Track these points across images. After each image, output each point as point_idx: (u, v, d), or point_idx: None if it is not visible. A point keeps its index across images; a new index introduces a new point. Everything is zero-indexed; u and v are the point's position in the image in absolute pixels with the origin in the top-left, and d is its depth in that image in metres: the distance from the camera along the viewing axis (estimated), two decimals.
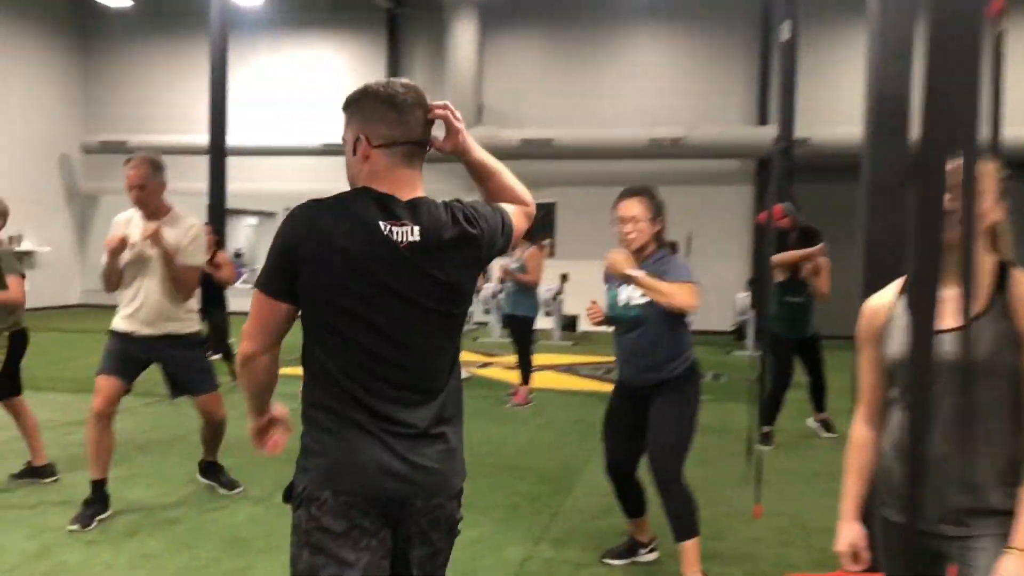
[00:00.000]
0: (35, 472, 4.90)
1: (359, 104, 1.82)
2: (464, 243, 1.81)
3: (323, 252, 1.71)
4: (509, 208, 2.00)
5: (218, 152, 11.47)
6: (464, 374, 2.81)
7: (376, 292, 1.74)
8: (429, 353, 1.82)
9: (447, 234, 1.78)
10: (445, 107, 1.89)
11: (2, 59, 15.20)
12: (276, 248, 1.76)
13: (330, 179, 16.27)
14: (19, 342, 4.76)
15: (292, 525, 1.80)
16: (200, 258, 4.51)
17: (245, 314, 1.91)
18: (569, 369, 10.09)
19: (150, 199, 4.32)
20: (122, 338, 4.37)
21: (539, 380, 8.00)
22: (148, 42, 16.84)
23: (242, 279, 21.90)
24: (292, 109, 16.21)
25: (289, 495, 1.83)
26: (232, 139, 15.08)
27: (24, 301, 4.65)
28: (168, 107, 16.34)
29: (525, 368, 7.68)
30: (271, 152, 15.80)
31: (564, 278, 13.28)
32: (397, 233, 1.74)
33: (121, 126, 16.32)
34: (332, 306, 1.74)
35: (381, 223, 1.73)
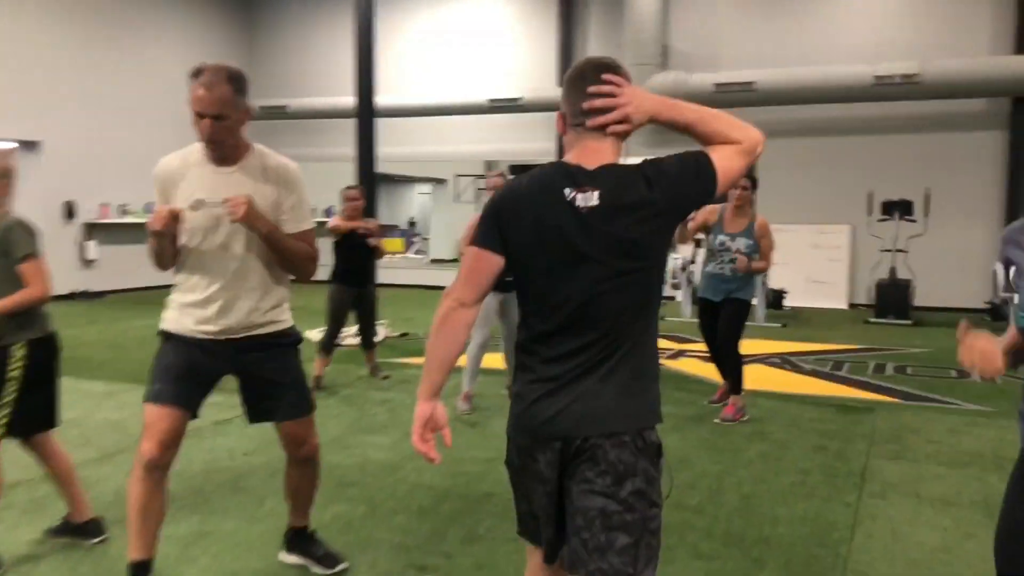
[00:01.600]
0: (76, 530, 3.59)
1: (565, 81, 2.02)
2: (640, 205, 1.90)
3: (520, 219, 1.95)
4: (717, 152, 1.99)
5: (366, 111, 10.19)
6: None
7: (566, 252, 1.91)
8: (615, 306, 1.92)
9: (627, 198, 1.90)
10: (606, 94, 1.96)
11: (163, 26, 14.60)
12: (485, 213, 2.01)
13: (498, 139, 14.89)
14: (46, 353, 3.40)
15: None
16: (309, 218, 3.08)
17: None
18: (785, 361, 8.12)
19: (230, 135, 2.88)
20: (186, 344, 2.98)
21: (748, 378, 6.12)
22: (305, 2, 15.90)
23: (414, 248, 20.98)
24: (456, 65, 14.82)
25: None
26: (390, 99, 13.96)
27: (49, 294, 3.33)
28: (328, 69, 15.33)
29: (735, 370, 5.84)
30: (433, 112, 14.46)
31: None
32: (580, 199, 1.90)
33: (280, 91, 15.47)
34: (530, 265, 1.96)
35: (566, 191, 1.91)
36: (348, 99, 14.39)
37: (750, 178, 5.94)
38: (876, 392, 6.79)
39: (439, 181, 23.84)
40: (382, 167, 10.78)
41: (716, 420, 5.77)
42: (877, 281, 11.19)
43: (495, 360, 6.48)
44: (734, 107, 12.57)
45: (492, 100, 13.77)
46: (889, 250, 11.26)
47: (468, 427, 5.57)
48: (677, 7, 13.32)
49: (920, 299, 11.33)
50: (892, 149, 12.36)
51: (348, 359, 7.68)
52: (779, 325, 10.55)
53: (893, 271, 11.18)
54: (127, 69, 13.87)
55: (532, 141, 13.94)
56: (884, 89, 11.64)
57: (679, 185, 1.94)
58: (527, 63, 14.35)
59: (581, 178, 1.91)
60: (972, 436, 5.44)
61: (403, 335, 9.47)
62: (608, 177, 1.91)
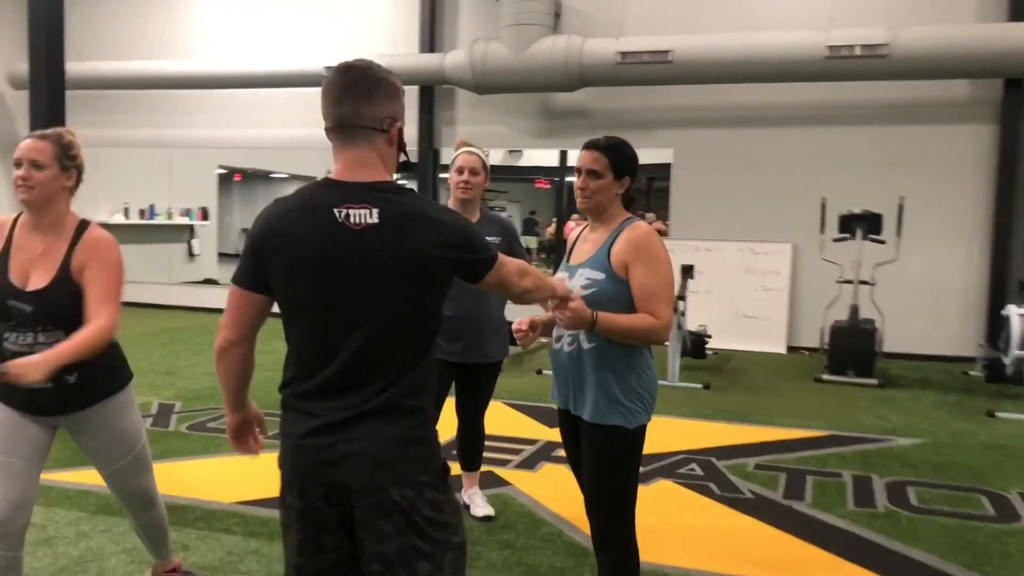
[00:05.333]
0: None
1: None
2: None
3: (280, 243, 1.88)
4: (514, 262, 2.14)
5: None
6: None
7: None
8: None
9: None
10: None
11: None
12: (245, 246, 1.93)
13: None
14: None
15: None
16: None
17: None
18: (709, 474, 4.93)
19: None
20: None
21: (645, 542, 2.93)
22: None
23: None
24: (281, 25, 11.39)
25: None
26: (184, 64, 10.49)
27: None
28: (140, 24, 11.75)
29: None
30: (252, 82, 11.02)
31: (687, 272, 8.08)
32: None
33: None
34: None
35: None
36: (158, 64, 11.11)
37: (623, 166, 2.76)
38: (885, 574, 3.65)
39: (300, 177, 20.51)
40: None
41: None
42: (833, 325, 8.14)
43: None
44: (644, 84, 9.52)
45: (329, 68, 10.41)
46: (849, 281, 8.24)
47: None
48: None
49: (887, 342, 8.37)
50: (852, 146, 9.39)
51: None
52: (700, 386, 7.42)
53: (855, 310, 8.15)
54: None
55: None
56: (841, 64, 8.67)
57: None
58: (380, 25, 11.01)
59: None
60: None
61: None
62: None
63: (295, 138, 11.16)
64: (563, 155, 18.35)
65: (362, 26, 11.03)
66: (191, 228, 15.45)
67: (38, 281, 2.60)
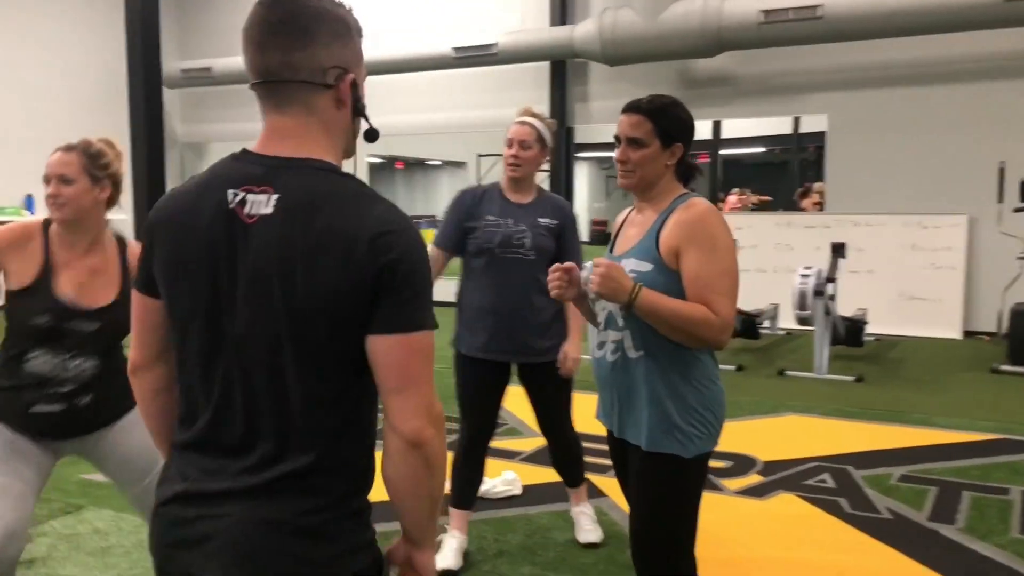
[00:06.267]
0: None
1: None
2: None
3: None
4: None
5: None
6: None
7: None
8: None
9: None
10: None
11: None
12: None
13: (464, 102, 10.88)
14: None
15: None
16: None
17: None
18: (841, 484, 4.27)
19: None
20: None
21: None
22: None
23: None
24: (407, 7, 11.21)
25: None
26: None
27: None
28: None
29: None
30: (377, 69, 10.89)
31: (838, 251, 7.25)
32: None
33: (205, 50, 12.18)
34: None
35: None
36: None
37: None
38: None
39: (457, 164, 20.63)
40: None
41: None
42: (1013, 307, 7.09)
43: None
44: (791, 44, 8.69)
45: (458, 49, 10.14)
46: None
47: None
48: None
49: None
50: None
51: None
52: (851, 379, 6.62)
53: None
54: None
55: (510, 105, 10.22)
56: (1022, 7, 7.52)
57: None
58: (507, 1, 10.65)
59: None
60: None
61: None
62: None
63: (437, 123, 11.05)
64: (716, 125, 17.46)
65: (489, 2, 10.70)
66: None
67: (101, 299, 2.45)
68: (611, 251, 2.33)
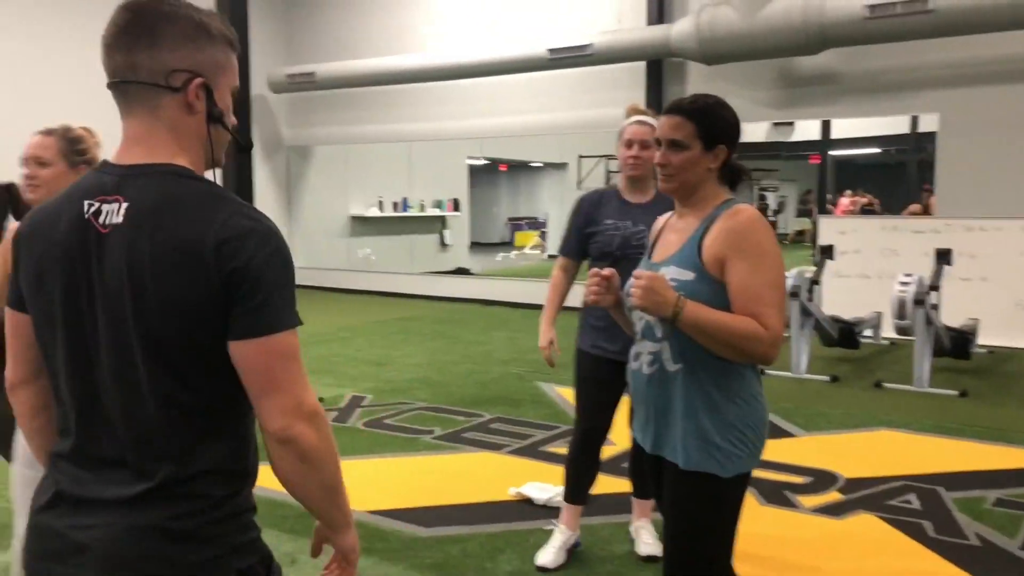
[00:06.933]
0: None
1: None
2: None
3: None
4: None
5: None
6: None
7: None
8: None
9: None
10: None
11: None
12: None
13: (557, 104, 10.88)
14: None
15: None
16: None
17: None
18: (927, 506, 4.03)
19: None
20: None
21: None
22: None
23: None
24: (499, 8, 11.21)
25: None
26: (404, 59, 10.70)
27: None
28: (366, 23, 12.18)
29: None
30: (470, 72, 10.92)
31: (943, 257, 6.86)
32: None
33: (311, 55, 12.51)
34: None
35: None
36: (395, 60, 11.39)
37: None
38: None
39: (557, 166, 20.61)
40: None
41: None
42: None
43: None
44: (899, 40, 8.30)
45: (553, 51, 10.09)
46: None
47: None
48: None
49: None
50: None
51: None
52: (954, 393, 6.25)
53: None
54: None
55: (607, 105, 10.12)
56: None
57: None
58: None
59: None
60: None
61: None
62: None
63: (535, 125, 11.06)
64: (825, 125, 16.84)
65: (586, 1, 10.61)
66: (443, 219, 15.96)
67: None
68: (649, 257, 2.25)
